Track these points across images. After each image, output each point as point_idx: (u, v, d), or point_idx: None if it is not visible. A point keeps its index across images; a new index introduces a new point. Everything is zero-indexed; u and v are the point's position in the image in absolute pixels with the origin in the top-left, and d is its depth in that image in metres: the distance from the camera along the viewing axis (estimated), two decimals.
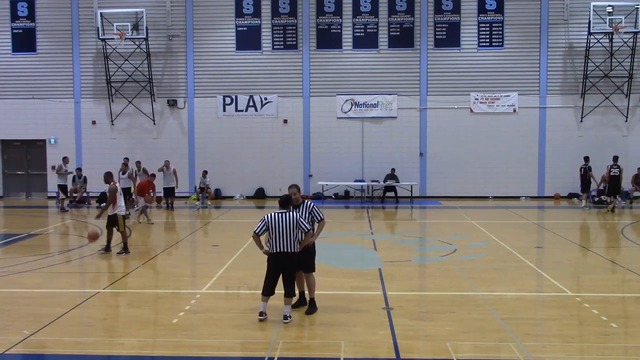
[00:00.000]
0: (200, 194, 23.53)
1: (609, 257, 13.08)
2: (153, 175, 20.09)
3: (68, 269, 12.26)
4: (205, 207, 22.83)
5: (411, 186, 24.53)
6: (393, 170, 24.81)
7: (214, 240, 15.68)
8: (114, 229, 13.42)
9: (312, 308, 8.74)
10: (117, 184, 13.69)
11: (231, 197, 25.91)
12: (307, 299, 8.92)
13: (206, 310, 9.04)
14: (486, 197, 25.43)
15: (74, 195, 23.59)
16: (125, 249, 13.31)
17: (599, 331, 8.00)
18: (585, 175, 22.50)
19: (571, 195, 25.18)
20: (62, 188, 22.27)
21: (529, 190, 25.54)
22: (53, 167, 26.02)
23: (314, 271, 8.92)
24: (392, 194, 24.80)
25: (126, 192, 18.82)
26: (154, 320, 8.72)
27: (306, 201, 8.85)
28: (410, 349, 7.39)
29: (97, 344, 7.68)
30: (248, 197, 25.92)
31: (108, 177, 13.61)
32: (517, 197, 25.40)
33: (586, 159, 22.82)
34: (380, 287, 10.33)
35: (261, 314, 8.33)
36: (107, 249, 13.42)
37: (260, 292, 8.49)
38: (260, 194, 25.86)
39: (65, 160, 22.85)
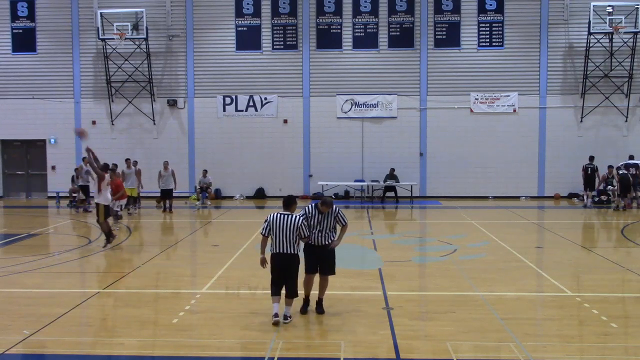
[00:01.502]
0: (200, 193, 23.53)
1: (609, 257, 13.07)
2: (114, 169, 18.96)
3: (68, 269, 12.25)
4: (205, 207, 22.83)
5: (411, 186, 24.54)
6: (392, 170, 24.81)
7: (214, 240, 15.68)
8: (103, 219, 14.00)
9: (321, 308, 8.73)
10: (107, 176, 14.57)
11: (231, 197, 25.91)
12: (316, 299, 8.82)
13: (206, 310, 9.04)
14: (486, 197, 25.43)
15: (74, 195, 23.57)
16: (107, 240, 13.82)
17: (599, 331, 7.99)
18: (593, 174, 22.62)
19: (571, 195, 25.19)
20: (84, 189, 21.78)
21: (529, 190, 25.54)
22: (53, 167, 26.07)
23: (334, 274, 8.90)
24: (392, 194, 24.81)
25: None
26: (154, 320, 8.71)
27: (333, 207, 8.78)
28: (410, 349, 7.38)
29: (97, 344, 7.68)
30: (248, 197, 25.92)
31: (103, 167, 14.68)
32: (517, 197, 25.40)
33: (591, 158, 22.90)
34: (380, 287, 10.33)
35: (275, 315, 8.21)
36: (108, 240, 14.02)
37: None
38: (260, 194, 25.86)
39: (85, 160, 21.76)
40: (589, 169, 22.82)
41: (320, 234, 8.66)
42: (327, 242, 8.71)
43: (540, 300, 9.87)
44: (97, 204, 14.01)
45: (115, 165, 18.93)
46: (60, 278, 11.45)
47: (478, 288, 10.24)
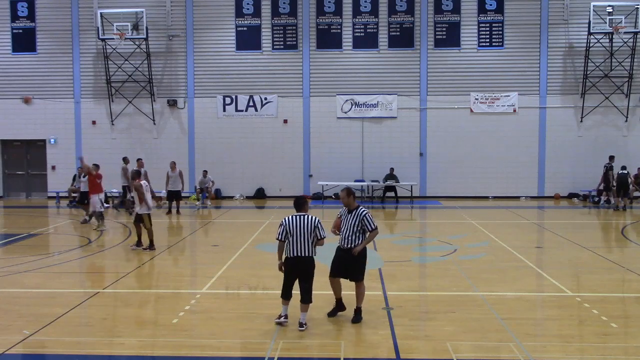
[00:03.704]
0: (200, 194, 23.54)
1: (609, 257, 13.08)
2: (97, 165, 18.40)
3: (68, 269, 12.25)
4: (205, 207, 22.83)
5: (411, 186, 24.54)
6: (392, 170, 24.83)
7: (214, 240, 15.67)
8: (142, 225, 14.04)
9: (358, 317, 8.34)
10: (143, 182, 14.14)
11: (231, 197, 25.92)
12: (355, 307, 8.48)
13: (206, 310, 9.03)
14: (486, 197, 25.43)
15: (74, 195, 23.58)
16: (151, 245, 13.85)
17: (599, 331, 8.00)
18: (607, 173, 22.52)
19: (571, 195, 25.21)
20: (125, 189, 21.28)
21: (529, 190, 25.55)
22: (53, 167, 26.09)
23: (363, 279, 8.53)
24: (392, 194, 24.82)
25: (84, 195, 18.39)
26: (154, 320, 8.71)
27: (359, 208, 8.42)
28: (410, 349, 7.38)
29: (97, 344, 7.68)
30: (248, 197, 25.92)
31: (135, 175, 14.40)
32: (517, 197, 25.41)
33: (611, 158, 22.76)
34: (380, 287, 10.34)
35: (285, 317, 8.09)
36: (138, 244, 14.05)
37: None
38: (260, 194, 25.86)
39: (125, 160, 21.41)
40: (605, 167, 22.74)
41: (345, 236, 8.32)
42: (351, 246, 8.30)
43: (540, 300, 9.87)
44: (141, 214, 13.87)
45: (97, 166, 18.50)
46: (60, 278, 11.45)
47: (478, 288, 10.24)
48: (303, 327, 7.96)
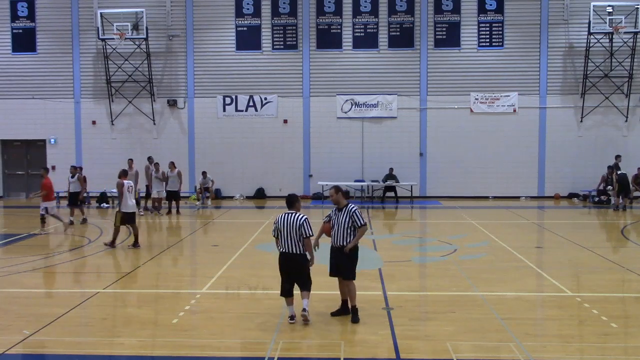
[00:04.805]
0: (200, 194, 23.55)
1: (609, 257, 13.07)
2: (47, 168, 18.25)
3: (68, 269, 12.25)
4: (205, 207, 22.83)
5: (411, 186, 24.53)
6: (391, 170, 24.82)
7: (214, 240, 15.67)
8: (132, 224, 14.44)
9: (355, 317, 8.31)
10: (126, 181, 14.41)
11: (231, 197, 25.92)
12: (350, 306, 8.48)
13: (206, 310, 9.04)
14: (486, 197, 25.43)
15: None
16: (111, 243, 14.14)
17: (599, 331, 8.00)
18: (611, 174, 22.41)
19: (571, 195, 25.20)
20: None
21: (529, 190, 25.54)
22: (53, 167, 26.04)
23: (354, 279, 8.51)
24: (392, 194, 24.81)
25: (74, 196, 18.45)
26: (154, 320, 8.71)
27: (349, 205, 8.44)
28: (410, 349, 7.38)
29: (97, 344, 7.68)
30: (248, 197, 25.92)
31: (120, 174, 14.75)
32: (517, 197, 25.40)
33: (617, 157, 22.63)
34: (380, 287, 10.33)
35: (291, 317, 8.17)
36: (135, 244, 14.26)
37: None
38: (260, 194, 25.86)
39: (150, 160, 21.32)
40: (610, 168, 22.64)
41: (337, 234, 8.37)
42: (343, 244, 8.35)
43: (540, 300, 9.87)
44: (117, 211, 14.43)
45: (47, 169, 17.83)
46: (60, 278, 11.46)
47: (478, 288, 10.24)
48: (305, 311, 8.07)
